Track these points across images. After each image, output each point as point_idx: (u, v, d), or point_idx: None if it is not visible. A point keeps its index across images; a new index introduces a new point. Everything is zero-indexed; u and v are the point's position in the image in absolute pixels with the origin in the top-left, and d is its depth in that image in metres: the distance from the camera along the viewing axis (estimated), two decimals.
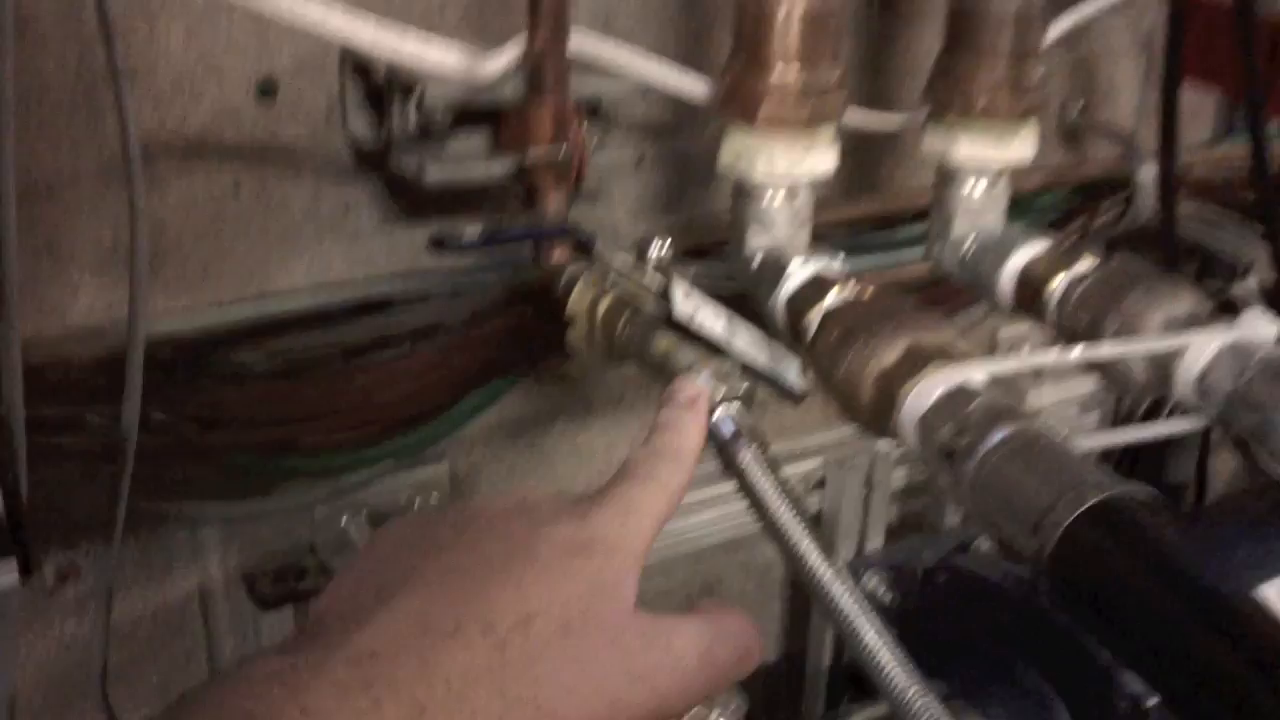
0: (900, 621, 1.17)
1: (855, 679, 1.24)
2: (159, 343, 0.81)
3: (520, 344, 0.91)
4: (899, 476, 1.21)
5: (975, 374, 0.68)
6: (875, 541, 1.22)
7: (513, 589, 0.42)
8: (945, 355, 0.70)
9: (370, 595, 0.42)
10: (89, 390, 0.78)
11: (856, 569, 1.18)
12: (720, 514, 1.10)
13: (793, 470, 1.16)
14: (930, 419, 0.67)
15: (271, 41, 0.83)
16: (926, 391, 0.68)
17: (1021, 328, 1.26)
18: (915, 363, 0.70)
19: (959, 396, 0.67)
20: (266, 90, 0.84)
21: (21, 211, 0.78)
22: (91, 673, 0.91)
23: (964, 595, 1.12)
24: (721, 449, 0.67)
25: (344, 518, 0.96)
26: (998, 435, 0.63)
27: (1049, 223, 1.13)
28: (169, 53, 0.80)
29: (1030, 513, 0.60)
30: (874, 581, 1.18)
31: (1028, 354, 0.75)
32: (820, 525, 1.18)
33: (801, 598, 1.28)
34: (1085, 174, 1.20)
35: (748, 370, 0.72)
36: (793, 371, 0.75)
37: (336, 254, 0.91)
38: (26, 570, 0.45)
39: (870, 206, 1.09)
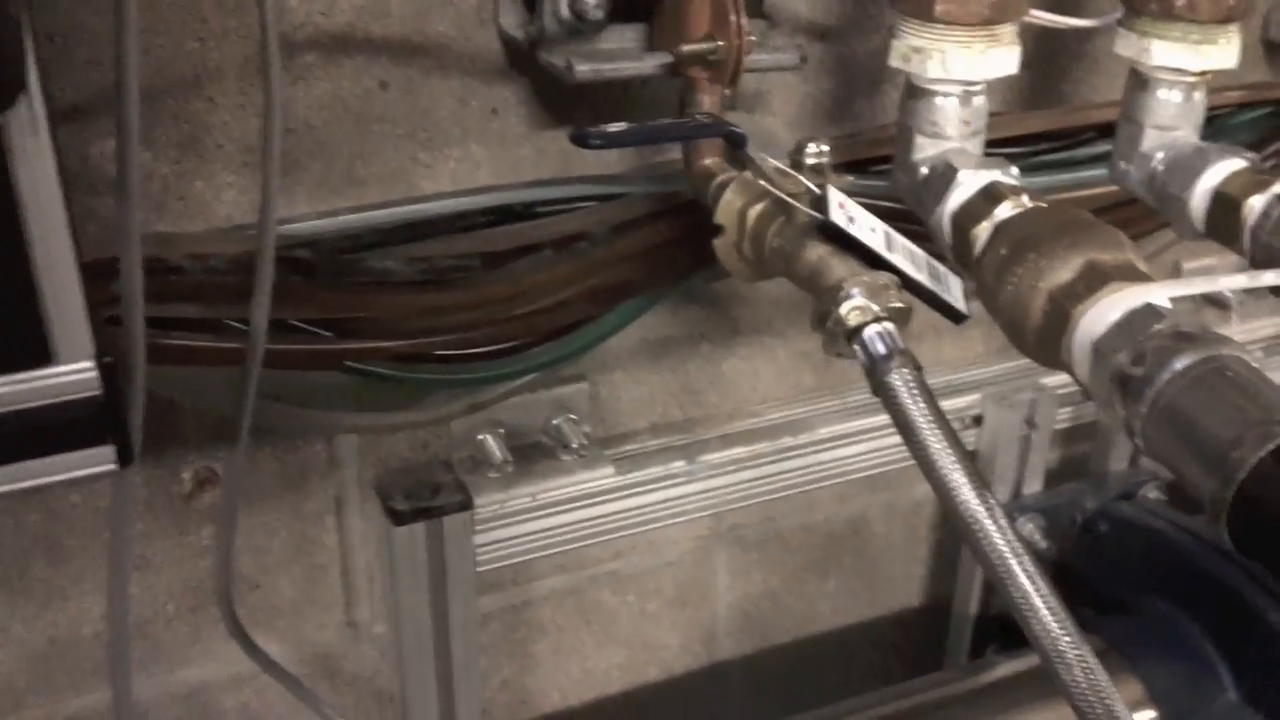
0: (1056, 571, 1.12)
1: (1003, 628, 1.19)
2: (299, 244, 0.80)
3: (667, 258, 0.87)
4: (1063, 416, 1.14)
5: (1158, 295, 0.61)
6: (1033, 486, 1.15)
7: None
8: (1126, 274, 0.63)
9: None
10: (228, 291, 0.76)
11: (1011, 514, 1.12)
12: (866, 449, 1.05)
13: (948, 405, 1.05)
14: (1106, 344, 0.61)
15: None
16: (1103, 313, 0.62)
17: (1209, 259, 1.16)
18: (1092, 281, 0.63)
19: (1140, 319, 0.60)
20: None
21: (164, 106, 0.78)
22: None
23: (1126, 546, 1.06)
24: (871, 370, 0.63)
25: (481, 434, 0.94)
26: (1180, 363, 0.57)
27: (1246, 144, 1.03)
28: None
29: (1211, 449, 0.54)
30: (1030, 528, 1.12)
31: (1226, 275, 0.68)
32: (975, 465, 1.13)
33: (949, 541, 1.23)
34: None
35: (905, 286, 0.67)
36: (955, 290, 0.70)
37: (483, 158, 0.89)
38: (127, 459, 0.43)
39: (1051, 120, 1.01)
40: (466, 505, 0.90)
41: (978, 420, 1.11)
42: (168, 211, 0.81)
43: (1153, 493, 1.12)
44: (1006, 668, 1.01)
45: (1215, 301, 1.21)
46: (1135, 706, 0.96)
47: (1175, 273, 1.19)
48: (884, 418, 0.62)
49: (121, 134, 0.49)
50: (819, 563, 1.20)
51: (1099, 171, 0.93)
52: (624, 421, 1.03)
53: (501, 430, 0.95)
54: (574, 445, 0.95)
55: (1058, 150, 1.01)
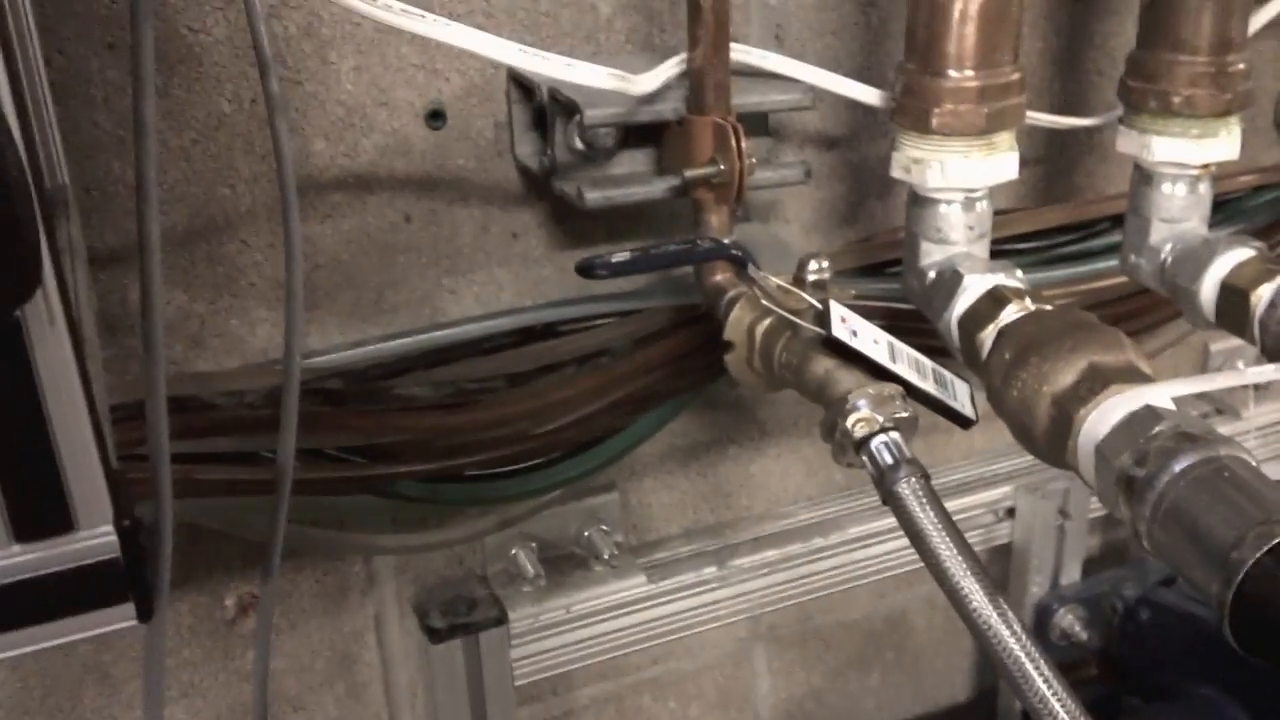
0: (1100, 661, 1.11)
1: None
2: (329, 374, 0.83)
3: (687, 368, 0.89)
4: (1098, 503, 1.13)
5: (1159, 396, 0.62)
6: (1071, 575, 1.14)
7: None
8: (1127, 376, 0.64)
9: None
10: (262, 423, 0.79)
11: (1050, 605, 1.12)
12: (899, 546, 1.04)
13: (980, 498, 1.10)
14: (1108, 446, 0.62)
15: (439, 69, 0.84)
16: (1105, 415, 0.63)
17: (1236, 340, 1.16)
18: (1094, 384, 0.64)
19: (1141, 421, 0.62)
20: (435, 117, 0.85)
21: (199, 249, 0.82)
22: (274, 701, 0.94)
23: (1169, 633, 1.04)
24: (879, 480, 0.64)
25: (514, 548, 0.95)
26: (1181, 464, 0.58)
27: (1261, 226, 1.04)
28: (340, 84, 0.82)
29: (1213, 550, 0.55)
30: (1069, 619, 1.12)
31: (1227, 372, 0.69)
32: (1010, 558, 1.12)
33: None
34: None
35: (913, 395, 0.68)
36: (961, 395, 0.71)
37: (505, 280, 0.91)
38: (146, 615, 0.46)
39: (1064, 214, 1.02)
40: (502, 620, 0.92)
41: (1011, 512, 1.11)
42: (205, 348, 0.84)
43: None
44: None
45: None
46: None
47: (1204, 353, 1.19)
48: None
49: (149, 350, 0.52)
50: (860, 659, 1.20)
51: (1116, 262, 0.94)
52: (655, 527, 1.04)
53: (534, 544, 0.96)
54: (606, 555, 0.96)
55: (1074, 242, 1.02)
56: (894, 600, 1.18)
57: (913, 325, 0.83)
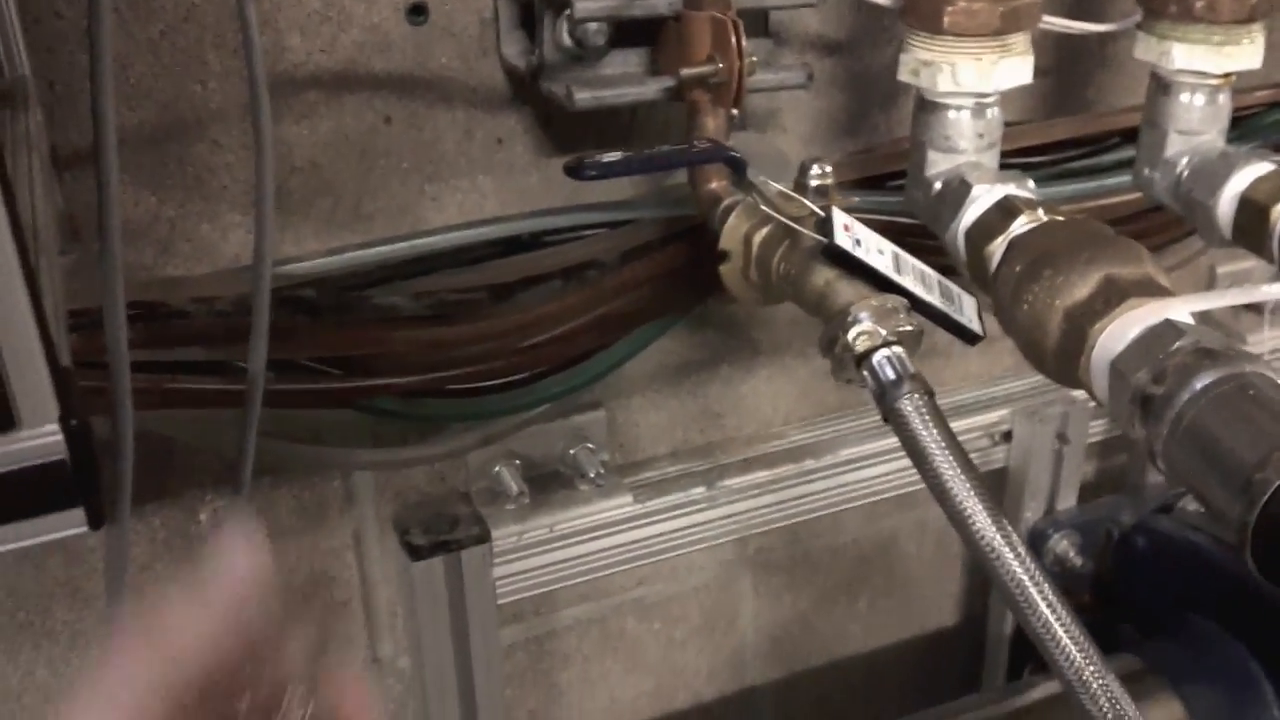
0: (1095, 588, 1.09)
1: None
2: (304, 283, 0.79)
3: (679, 284, 0.86)
4: (1096, 429, 1.12)
5: (1179, 311, 0.59)
6: (1067, 501, 1.13)
7: None
8: (1145, 289, 0.61)
9: None
10: (234, 332, 0.75)
11: (1045, 530, 1.10)
12: (892, 469, 1.03)
13: (977, 421, 1.08)
14: (1125, 363, 0.59)
15: None
16: (1122, 331, 0.60)
17: (1245, 263, 1.13)
18: (1110, 298, 0.61)
19: (1160, 336, 0.59)
20: (416, 12, 0.81)
21: (168, 149, 0.78)
22: None
23: (1165, 561, 1.02)
24: (880, 396, 0.61)
25: (497, 466, 0.93)
26: (1202, 381, 0.55)
27: (1277, 144, 1.01)
28: None
29: (1235, 471, 0.52)
30: (1064, 545, 1.10)
31: (1248, 287, 0.66)
32: (1006, 482, 1.10)
33: None
34: None
35: (916, 308, 0.65)
36: (968, 310, 0.68)
37: (490, 188, 0.88)
38: (97, 522, 0.43)
39: (1075, 127, 0.98)
40: (484, 538, 0.90)
41: (1008, 436, 1.09)
42: (175, 254, 0.81)
43: (1192, 504, 1.09)
44: (1044, 689, 0.99)
45: (1248, 305, 1.18)
46: None
47: (1210, 277, 1.16)
48: None
49: (102, 196, 0.48)
50: (849, 584, 1.18)
51: (1126, 178, 0.91)
52: (643, 447, 1.01)
53: (518, 461, 0.93)
54: (591, 474, 0.93)
55: (1083, 157, 0.99)
56: (884, 524, 1.16)
57: (916, 241, 0.80)
